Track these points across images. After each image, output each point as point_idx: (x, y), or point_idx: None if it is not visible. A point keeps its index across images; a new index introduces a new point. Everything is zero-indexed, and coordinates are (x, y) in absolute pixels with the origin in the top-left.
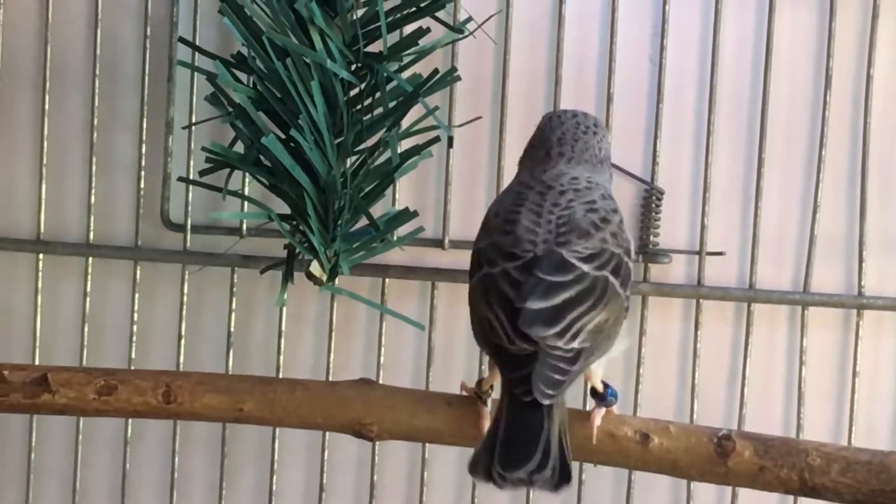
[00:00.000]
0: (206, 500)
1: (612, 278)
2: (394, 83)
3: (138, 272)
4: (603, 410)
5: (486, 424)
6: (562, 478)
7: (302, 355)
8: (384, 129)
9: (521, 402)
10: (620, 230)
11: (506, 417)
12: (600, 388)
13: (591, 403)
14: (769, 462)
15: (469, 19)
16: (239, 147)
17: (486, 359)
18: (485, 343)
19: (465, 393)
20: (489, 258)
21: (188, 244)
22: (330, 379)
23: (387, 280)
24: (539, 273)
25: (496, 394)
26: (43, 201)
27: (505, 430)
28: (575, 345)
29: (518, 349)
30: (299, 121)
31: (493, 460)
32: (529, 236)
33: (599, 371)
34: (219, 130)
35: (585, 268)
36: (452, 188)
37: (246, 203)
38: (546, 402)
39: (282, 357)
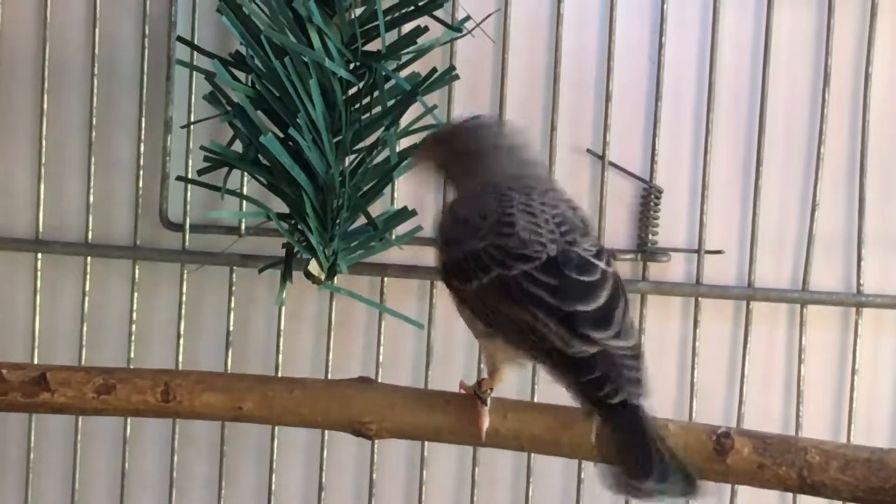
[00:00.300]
0: (206, 499)
1: (618, 273)
2: (392, 82)
3: (137, 271)
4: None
5: (486, 423)
6: (689, 486)
7: (301, 354)
8: (383, 128)
9: (615, 406)
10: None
11: (616, 427)
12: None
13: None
14: (768, 460)
15: (467, 18)
16: (237, 146)
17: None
18: (530, 347)
19: (463, 391)
20: (497, 260)
21: (187, 243)
22: (329, 378)
23: (385, 279)
24: (571, 273)
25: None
26: (41, 201)
27: (621, 437)
28: (631, 342)
29: (580, 352)
30: (298, 120)
31: (623, 475)
32: (535, 237)
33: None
34: (217, 129)
35: (600, 264)
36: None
37: (244, 202)
38: (640, 402)
39: (281, 356)
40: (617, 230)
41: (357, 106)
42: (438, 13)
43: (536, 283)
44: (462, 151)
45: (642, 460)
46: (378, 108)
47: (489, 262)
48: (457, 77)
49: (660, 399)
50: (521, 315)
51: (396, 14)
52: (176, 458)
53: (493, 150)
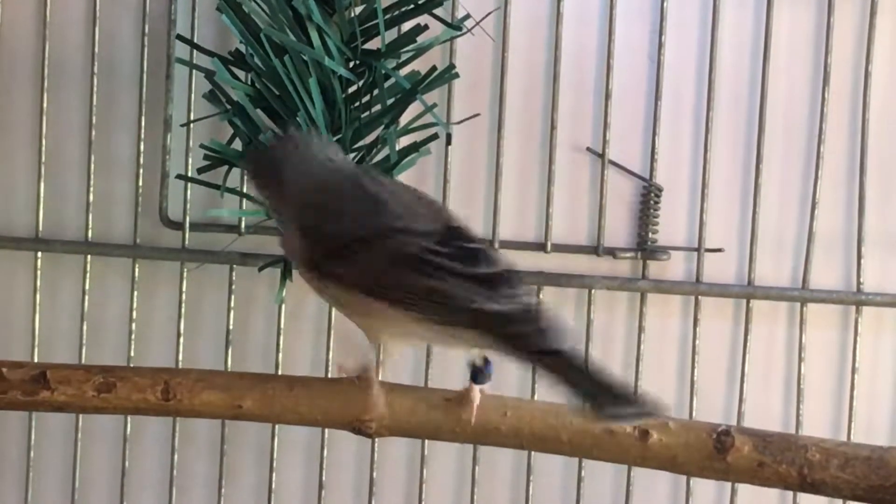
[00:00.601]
0: (206, 498)
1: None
2: (392, 80)
3: (137, 270)
4: (477, 389)
5: (381, 403)
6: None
7: (301, 352)
8: (382, 127)
9: (544, 354)
10: None
11: (550, 366)
12: (479, 361)
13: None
14: (768, 458)
15: (467, 16)
16: (237, 144)
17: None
18: (448, 314)
19: (343, 375)
20: (391, 237)
21: (187, 242)
22: (329, 376)
23: None
24: (464, 243)
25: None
26: (41, 199)
27: (578, 375)
28: (535, 300)
29: (505, 307)
30: (297, 118)
31: (598, 403)
32: (414, 216)
33: None
34: (217, 128)
35: (475, 237)
36: (451, 185)
37: (244, 200)
38: (567, 347)
39: (280, 354)
40: (617, 229)
41: (357, 104)
42: (438, 11)
43: (441, 255)
44: (273, 177)
45: (611, 389)
46: (378, 107)
47: (385, 241)
48: (456, 75)
49: (660, 397)
50: (434, 284)
51: (396, 12)
52: (176, 456)
53: (307, 161)
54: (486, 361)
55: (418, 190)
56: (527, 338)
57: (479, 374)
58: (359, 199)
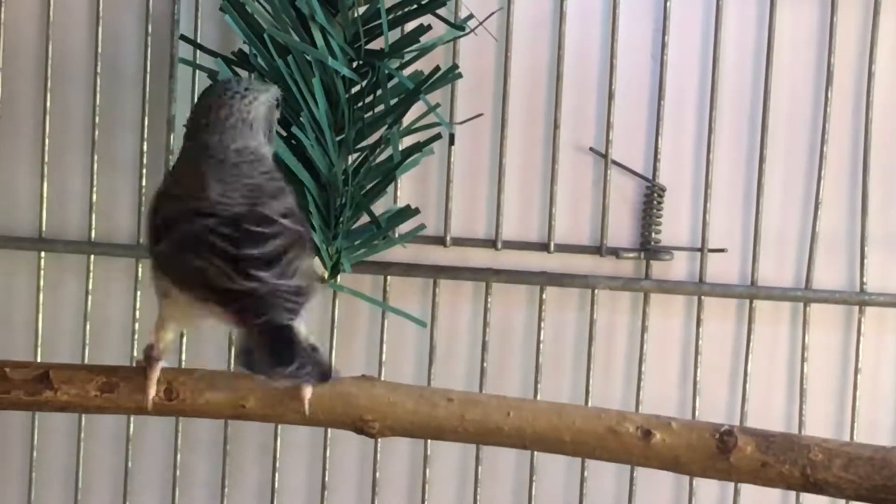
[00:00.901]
0: (209, 498)
1: (306, 234)
2: (395, 80)
3: (140, 270)
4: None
5: (152, 391)
6: (327, 374)
7: None
8: (385, 127)
9: (269, 327)
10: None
11: (259, 336)
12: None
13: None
14: (771, 458)
15: (470, 16)
16: None
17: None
18: (202, 289)
19: (138, 364)
20: (186, 219)
21: None
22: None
23: (388, 277)
24: (249, 226)
25: None
26: (44, 199)
27: (267, 341)
28: (296, 282)
29: (239, 286)
30: (301, 118)
31: (268, 359)
32: (223, 199)
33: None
34: None
35: (284, 222)
36: (454, 185)
37: None
38: (287, 321)
39: None
40: (620, 229)
41: (360, 104)
42: (441, 12)
43: (216, 234)
44: (191, 115)
45: (283, 351)
46: (381, 107)
47: (180, 222)
48: (460, 75)
49: (662, 397)
50: (198, 262)
51: (399, 12)
52: (179, 456)
53: (215, 122)
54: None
55: (275, 179)
56: (245, 311)
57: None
58: (189, 185)
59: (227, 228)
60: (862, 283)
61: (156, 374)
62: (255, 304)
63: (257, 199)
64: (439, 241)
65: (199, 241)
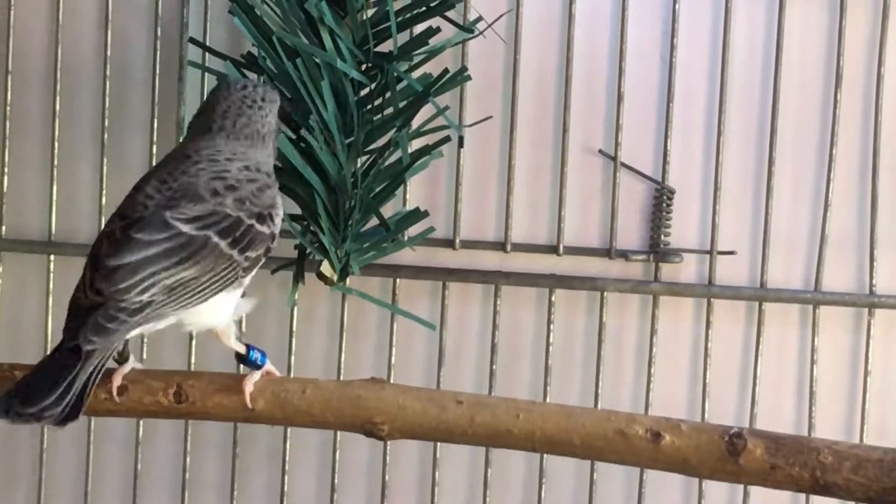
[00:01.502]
0: (218, 501)
1: (215, 238)
2: (404, 83)
3: None
4: (256, 375)
5: (116, 384)
6: (70, 415)
7: (313, 355)
8: (395, 129)
9: (65, 347)
10: (254, 196)
11: (43, 360)
12: (240, 349)
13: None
14: (781, 460)
15: (479, 19)
16: None
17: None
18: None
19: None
20: (109, 221)
21: None
22: (341, 378)
23: (398, 280)
24: (132, 232)
25: None
26: (54, 202)
27: (35, 371)
28: (144, 298)
29: (89, 301)
30: (310, 121)
31: (14, 398)
32: (145, 201)
33: (229, 333)
34: None
35: (185, 228)
36: (463, 188)
37: None
38: (88, 347)
39: (293, 357)
40: (629, 231)
41: (369, 107)
42: (450, 14)
43: (108, 240)
44: (198, 110)
45: (35, 389)
46: (390, 109)
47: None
48: (469, 78)
49: (672, 399)
50: (84, 269)
51: (408, 15)
52: (188, 459)
53: (212, 112)
54: (249, 348)
55: (231, 179)
56: (70, 331)
57: (243, 360)
58: (138, 183)
59: (119, 233)
60: (871, 286)
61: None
62: (73, 320)
63: (175, 202)
64: (448, 243)
65: (96, 244)
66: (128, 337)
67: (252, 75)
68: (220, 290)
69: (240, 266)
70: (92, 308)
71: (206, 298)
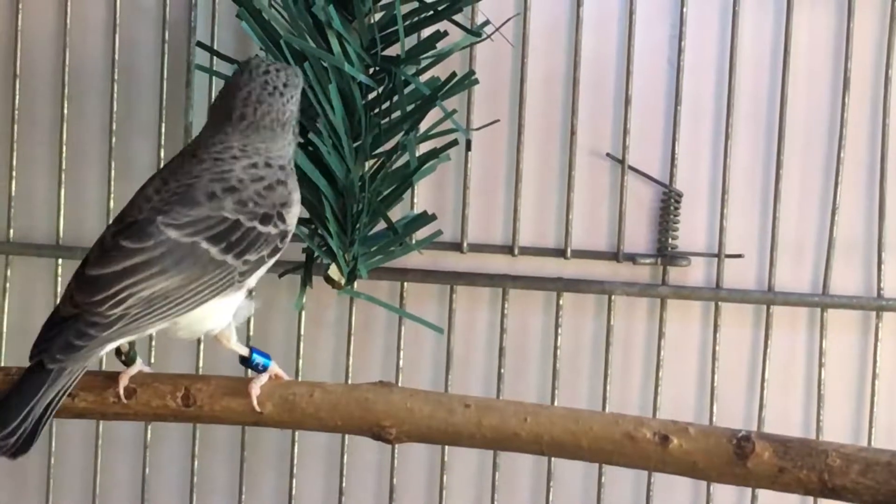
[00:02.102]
0: None
1: (205, 244)
2: (411, 86)
3: None
4: (262, 378)
5: (123, 386)
6: (22, 448)
7: (321, 358)
8: (402, 133)
9: (31, 365)
10: (259, 196)
11: (14, 382)
12: (242, 352)
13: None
14: (789, 463)
15: (487, 22)
16: None
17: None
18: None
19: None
20: (111, 223)
21: None
22: (349, 382)
23: (405, 283)
24: (120, 239)
25: None
26: (62, 206)
27: (4, 396)
28: (117, 311)
29: (66, 312)
30: (317, 125)
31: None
32: (144, 203)
33: (228, 335)
34: None
35: (174, 234)
36: (471, 191)
37: None
38: (52, 365)
39: (301, 360)
40: (637, 234)
41: (376, 110)
42: (458, 17)
43: (98, 246)
44: (218, 96)
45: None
46: (397, 113)
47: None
48: (476, 81)
49: (680, 402)
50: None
51: (416, 18)
52: (196, 462)
53: (232, 98)
54: (252, 351)
55: (232, 180)
56: (44, 342)
57: (246, 363)
58: (142, 188)
59: (109, 239)
60: (879, 289)
61: (128, 373)
62: (46, 332)
63: (168, 206)
64: (456, 247)
65: (91, 249)
66: (103, 353)
67: None
68: (213, 297)
69: (236, 271)
70: (66, 320)
71: (193, 307)
